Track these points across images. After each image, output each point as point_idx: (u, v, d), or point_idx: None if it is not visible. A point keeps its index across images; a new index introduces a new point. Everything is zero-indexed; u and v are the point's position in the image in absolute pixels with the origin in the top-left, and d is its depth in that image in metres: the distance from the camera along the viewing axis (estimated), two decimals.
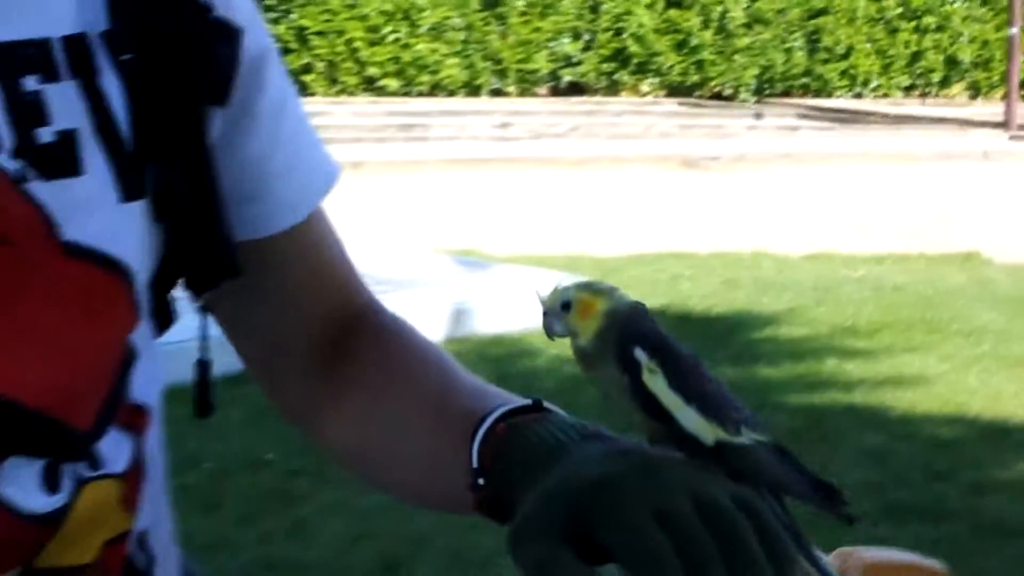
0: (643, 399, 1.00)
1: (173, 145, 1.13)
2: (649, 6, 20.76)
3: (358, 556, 4.50)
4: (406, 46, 19.62)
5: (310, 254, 1.27)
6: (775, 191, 13.70)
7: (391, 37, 19.55)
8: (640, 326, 1.02)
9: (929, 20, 22.27)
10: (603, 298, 1.02)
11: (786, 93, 21.75)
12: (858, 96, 22.07)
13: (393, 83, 19.60)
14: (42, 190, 1.03)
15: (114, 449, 1.09)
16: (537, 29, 20.26)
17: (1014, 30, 18.68)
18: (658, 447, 1.02)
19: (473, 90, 20.02)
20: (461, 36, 19.85)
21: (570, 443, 1.05)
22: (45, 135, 1.04)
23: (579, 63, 20.64)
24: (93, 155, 1.06)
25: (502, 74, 20.22)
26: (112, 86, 1.08)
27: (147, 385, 1.13)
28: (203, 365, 1.23)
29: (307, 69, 18.91)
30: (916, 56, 22.36)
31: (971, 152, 16.48)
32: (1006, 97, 19.13)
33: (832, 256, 10.49)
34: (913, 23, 22.30)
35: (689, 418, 0.99)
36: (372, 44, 19.50)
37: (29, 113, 1.04)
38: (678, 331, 5.51)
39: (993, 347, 7.74)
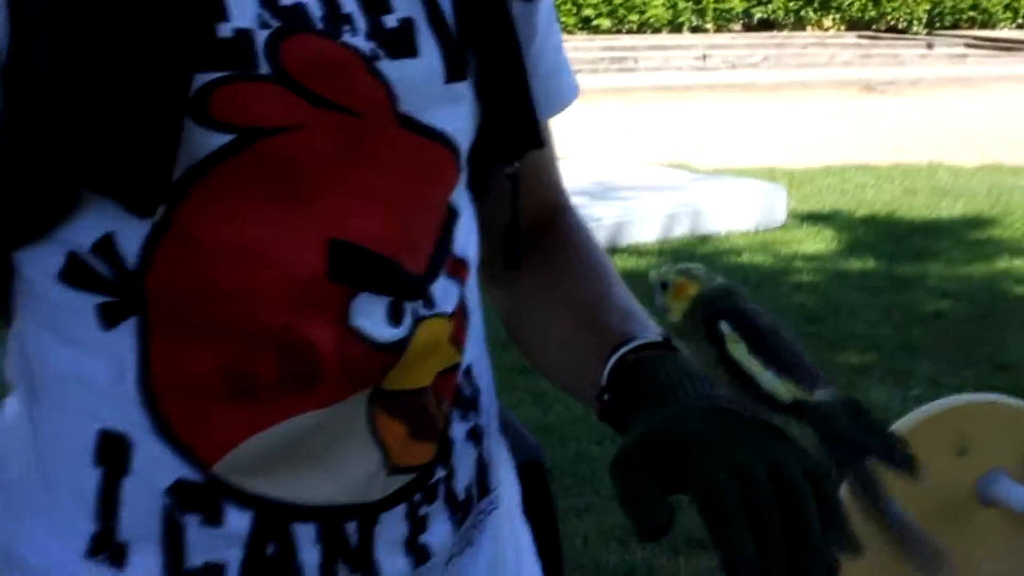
0: (728, 366, 1.00)
1: (490, 34, 1.13)
2: None
3: (589, 421, 4.52)
4: None
5: (537, 151, 1.24)
6: (947, 111, 13.36)
7: None
8: (726, 304, 1.01)
9: None
10: (696, 283, 1.03)
11: (955, 25, 21.14)
12: (1020, 27, 21.35)
13: (606, 22, 19.50)
14: (388, 68, 1.04)
15: (444, 293, 1.10)
16: None
17: None
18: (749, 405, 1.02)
19: (676, 27, 19.84)
20: None
21: (681, 388, 1.05)
22: (390, 21, 1.05)
23: (769, 1, 20.30)
24: (426, 40, 1.07)
25: (701, 13, 20.00)
26: None
27: (466, 242, 1.15)
28: (513, 227, 1.22)
29: None
30: None
31: None
32: None
33: (1001, 167, 10.20)
34: None
35: (768, 380, 0.99)
36: None
37: (377, 2, 1.05)
38: (865, 233, 5.44)
39: None
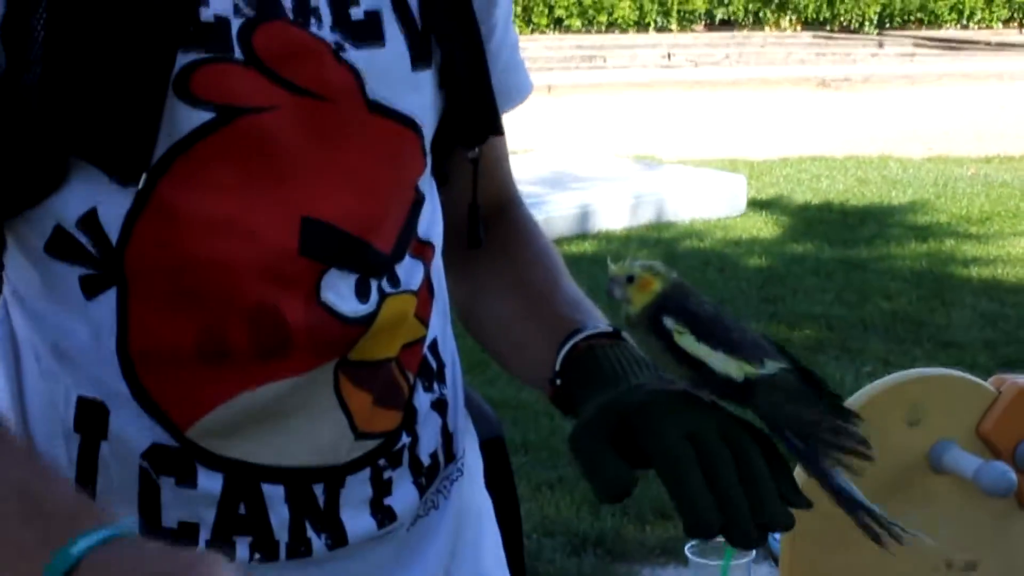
0: (679, 356, 1.00)
1: (452, 25, 1.13)
2: None
3: None
4: None
5: (490, 144, 1.23)
6: (897, 106, 13.39)
7: None
8: (671, 301, 1.01)
9: None
10: (661, 279, 1.02)
11: (904, 26, 21.20)
12: (964, 27, 21.43)
13: (576, 22, 19.50)
14: (355, 57, 1.04)
15: (409, 272, 1.10)
16: None
17: None
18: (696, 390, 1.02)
19: (642, 27, 19.85)
20: None
21: (629, 372, 1.06)
22: (356, 13, 1.06)
23: (730, 3, 20.33)
24: (392, 30, 1.07)
25: (666, 13, 20.01)
26: None
27: (431, 225, 1.14)
28: (474, 207, 1.22)
29: None
30: None
31: None
32: None
33: (947, 158, 10.22)
34: None
35: (720, 361, 0.99)
36: None
37: None
38: (820, 220, 5.42)
39: None
